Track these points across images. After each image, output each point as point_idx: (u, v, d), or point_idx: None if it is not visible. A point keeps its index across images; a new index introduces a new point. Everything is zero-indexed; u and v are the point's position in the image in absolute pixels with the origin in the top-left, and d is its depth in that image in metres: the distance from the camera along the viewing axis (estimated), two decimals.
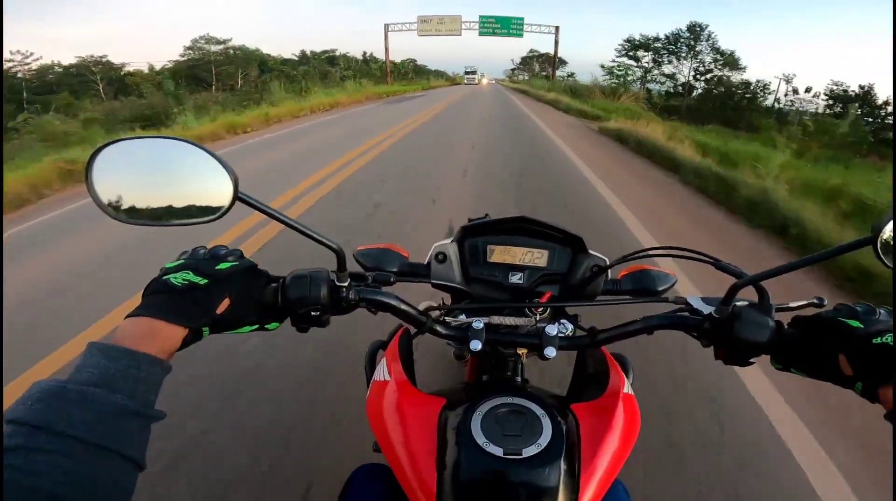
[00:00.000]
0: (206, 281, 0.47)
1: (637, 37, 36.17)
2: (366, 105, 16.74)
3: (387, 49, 40.30)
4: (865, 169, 8.19)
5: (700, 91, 34.25)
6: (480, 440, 0.48)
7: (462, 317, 0.64)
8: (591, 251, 0.70)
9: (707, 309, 0.54)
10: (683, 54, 34.44)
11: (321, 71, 30.54)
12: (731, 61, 33.17)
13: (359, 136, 8.06)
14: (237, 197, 0.45)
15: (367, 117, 11.84)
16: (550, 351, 0.58)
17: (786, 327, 0.51)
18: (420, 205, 3.97)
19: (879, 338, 0.43)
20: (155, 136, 0.45)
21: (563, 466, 0.47)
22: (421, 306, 0.65)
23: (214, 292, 0.47)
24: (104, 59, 30.26)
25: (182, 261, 0.50)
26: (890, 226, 0.42)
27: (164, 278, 0.47)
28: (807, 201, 3.68)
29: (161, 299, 0.44)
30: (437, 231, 3.33)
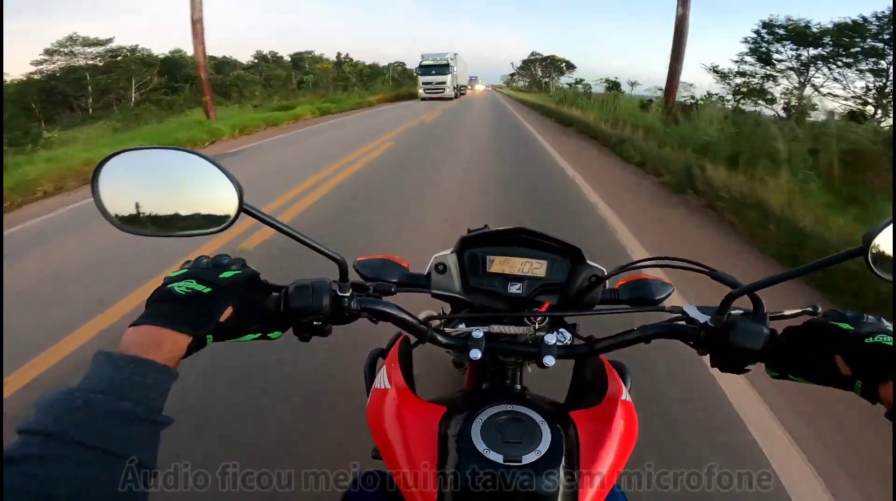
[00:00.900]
0: (209, 290, 0.47)
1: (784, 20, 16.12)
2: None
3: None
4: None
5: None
6: (481, 447, 0.49)
7: (462, 326, 0.64)
8: (589, 262, 0.71)
9: (703, 318, 0.56)
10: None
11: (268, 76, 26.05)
12: None
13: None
14: (242, 208, 0.45)
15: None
16: (549, 360, 0.59)
17: (779, 335, 0.52)
18: None
19: (871, 338, 0.44)
20: (161, 146, 0.45)
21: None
22: (421, 316, 0.65)
23: (217, 300, 0.48)
24: None
25: (185, 270, 0.50)
26: (882, 236, 0.43)
27: (168, 286, 0.47)
28: None
29: (165, 307, 0.45)
30: None
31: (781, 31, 16.56)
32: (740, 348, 0.51)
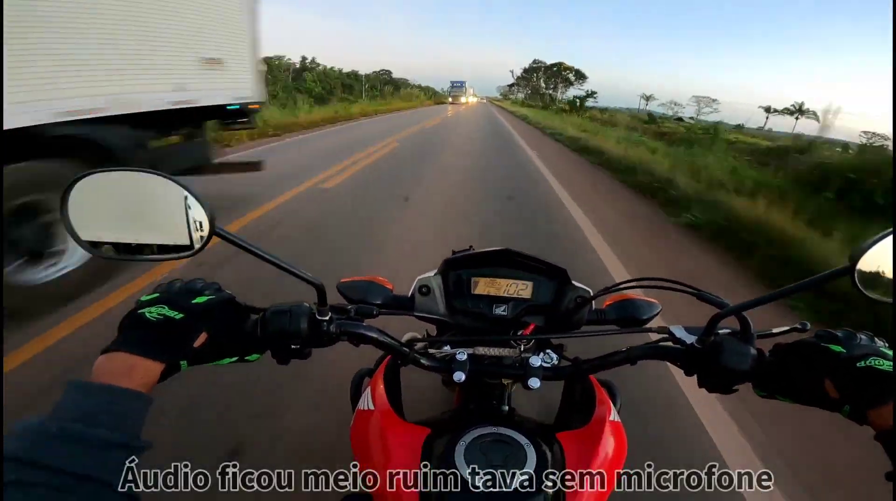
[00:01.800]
0: (181, 316, 0.46)
1: None
2: None
3: None
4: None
5: None
6: (465, 470, 0.48)
7: (447, 348, 0.63)
8: (574, 283, 0.71)
9: (689, 339, 0.55)
10: None
11: None
12: None
13: None
14: (213, 232, 0.44)
15: None
16: (534, 382, 0.57)
17: (767, 354, 0.51)
18: None
19: (863, 362, 0.43)
20: (130, 168, 0.44)
21: (547, 496, 0.47)
22: (405, 338, 0.65)
23: (190, 326, 0.47)
24: None
25: (157, 295, 0.49)
26: (870, 253, 0.41)
27: (139, 312, 0.46)
28: None
29: (137, 334, 0.44)
30: None
31: None
32: (728, 369, 0.50)
